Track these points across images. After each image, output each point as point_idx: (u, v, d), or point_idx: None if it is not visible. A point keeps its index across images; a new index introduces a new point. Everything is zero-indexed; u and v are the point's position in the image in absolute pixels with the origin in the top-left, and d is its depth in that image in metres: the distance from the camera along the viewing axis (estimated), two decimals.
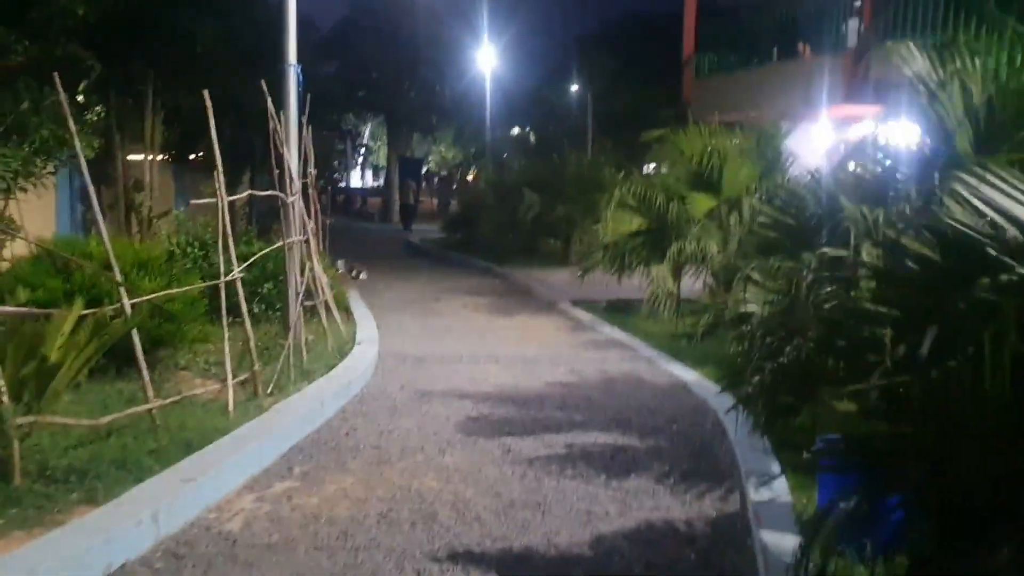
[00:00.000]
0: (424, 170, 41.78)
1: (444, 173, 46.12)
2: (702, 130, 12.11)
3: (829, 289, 5.90)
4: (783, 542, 4.60)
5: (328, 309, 9.87)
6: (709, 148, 11.87)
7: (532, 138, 35.61)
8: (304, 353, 8.35)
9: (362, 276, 16.15)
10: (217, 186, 7.10)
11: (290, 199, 8.62)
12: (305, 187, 10.84)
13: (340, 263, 16.55)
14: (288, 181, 8.73)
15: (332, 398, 7.23)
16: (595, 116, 27.55)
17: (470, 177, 42.11)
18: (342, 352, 9.01)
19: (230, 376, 6.67)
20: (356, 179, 51.49)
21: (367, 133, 50.47)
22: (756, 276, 9.09)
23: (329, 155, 33.11)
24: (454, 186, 40.82)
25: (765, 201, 10.17)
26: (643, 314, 11.54)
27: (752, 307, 8.87)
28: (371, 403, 7.50)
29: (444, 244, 22.86)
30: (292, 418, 6.48)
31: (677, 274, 11.42)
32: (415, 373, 8.76)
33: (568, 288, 14.27)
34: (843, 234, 6.35)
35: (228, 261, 7.32)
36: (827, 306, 5.42)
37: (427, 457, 6.06)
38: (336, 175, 42.22)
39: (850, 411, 3.71)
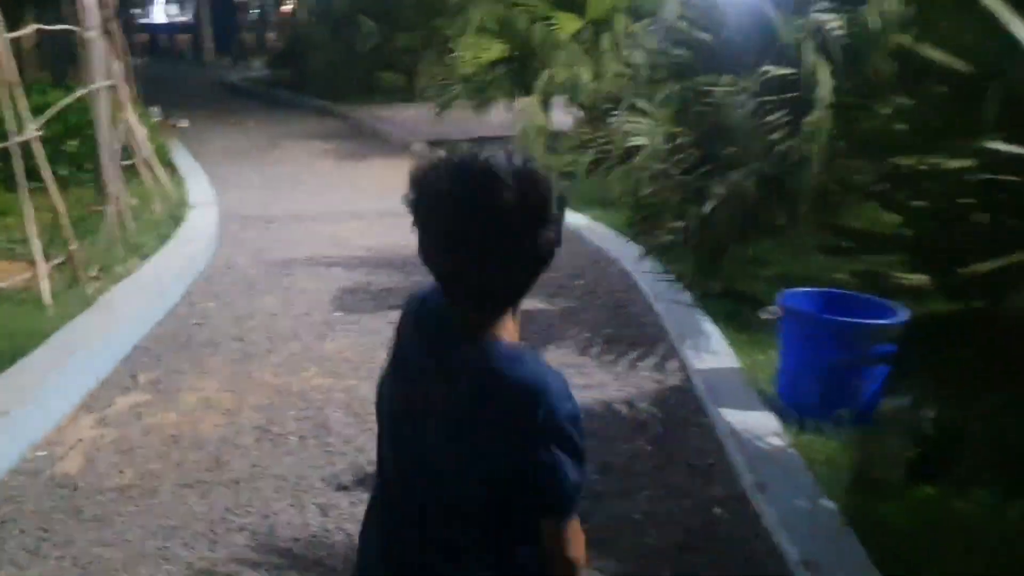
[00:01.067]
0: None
1: (258, 5, 42.33)
2: None
3: (779, 115, 5.14)
4: (747, 421, 3.95)
5: (151, 167, 8.37)
6: None
7: None
8: (130, 223, 6.97)
9: (182, 124, 14.26)
10: None
11: (88, 34, 6.96)
12: (106, 21, 9.06)
13: (155, 110, 14.57)
14: (83, 12, 7.04)
15: (173, 279, 5.97)
16: None
17: (286, 8, 38.81)
18: (175, 218, 7.64)
19: (40, 259, 5.32)
20: (160, 15, 46.68)
21: None
22: (645, 105, 8.29)
23: None
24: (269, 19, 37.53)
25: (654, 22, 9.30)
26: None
27: (639, 139, 8.11)
28: (222, 280, 6.29)
29: (270, 83, 20.74)
30: (127, 309, 5.24)
31: (546, 107, 10.44)
32: (267, 237, 7.55)
33: (420, 127, 13.03)
34: (778, 53, 5.56)
35: (18, 116, 5.80)
36: (811, 133, 4.65)
37: (304, 346, 5.02)
38: (135, 10, 37.95)
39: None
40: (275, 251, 7.07)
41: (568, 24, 10.76)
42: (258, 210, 8.58)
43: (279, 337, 5.13)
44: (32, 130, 5.70)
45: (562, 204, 1.46)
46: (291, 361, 4.80)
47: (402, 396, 1.57)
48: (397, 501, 1.58)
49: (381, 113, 15.29)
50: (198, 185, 9.30)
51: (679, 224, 5.69)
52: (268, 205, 8.84)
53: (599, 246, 6.98)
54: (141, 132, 8.48)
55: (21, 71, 7.04)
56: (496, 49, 10.92)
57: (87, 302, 5.30)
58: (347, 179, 10.34)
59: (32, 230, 5.36)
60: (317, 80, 17.94)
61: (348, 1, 17.86)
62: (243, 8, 41.27)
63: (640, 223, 5.97)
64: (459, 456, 1.47)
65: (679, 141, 7.84)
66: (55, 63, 15.06)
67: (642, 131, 8.24)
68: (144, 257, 6.50)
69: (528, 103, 10.23)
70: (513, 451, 1.43)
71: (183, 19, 37.66)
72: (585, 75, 10.04)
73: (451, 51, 16.61)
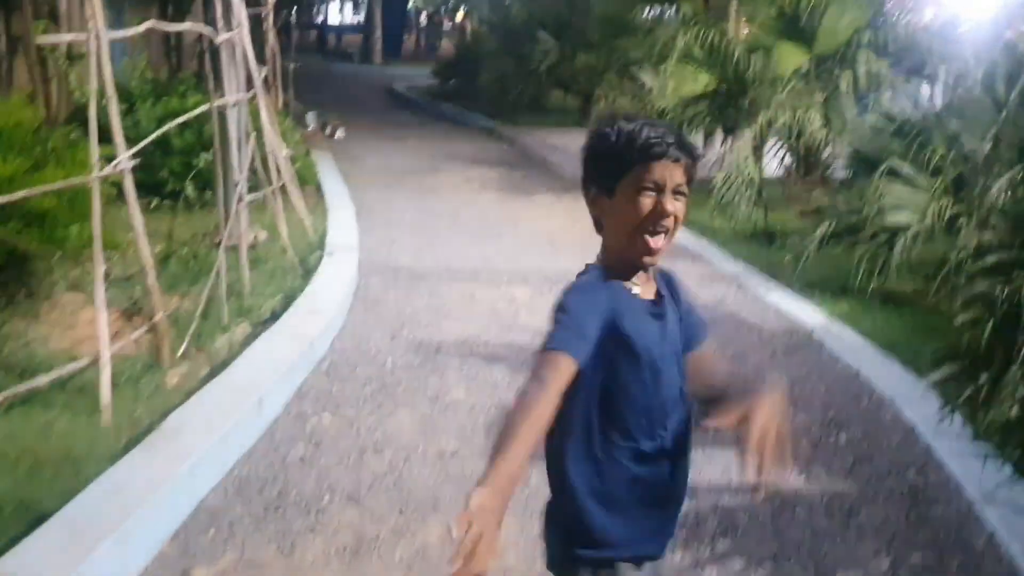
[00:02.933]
0: (410, 5, 37.60)
1: (433, 11, 41.89)
2: None
3: None
4: None
5: (289, 194, 7.03)
6: None
7: None
8: (246, 272, 5.58)
9: (339, 134, 13.13)
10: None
11: (220, 37, 5.62)
12: (258, 21, 7.84)
13: (311, 117, 13.51)
14: (221, 10, 5.72)
15: (280, 375, 4.37)
16: None
17: (458, 18, 38.09)
18: (306, 266, 6.24)
19: (105, 333, 3.91)
20: (335, 15, 47.05)
21: None
22: (909, 170, 6.37)
23: None
24: (445, 27, 36.85)
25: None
26: (710, 204, 8.74)
27: (901, 216, 6.19)
28: (347, 375, 4.70)
29: (435, 94, 19.57)
30: (206, 433, 3.66)
31: (759, 153, 8.57)
32: (413, 302, 6.01)
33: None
34: None
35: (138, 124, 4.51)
36: None
37: (447, 525, 3.38)
38: (312, 9, 38.11)
39: None
40: (421, 326, 5.52)
41: (791, 57, 8.89)
42: (406, 258, 7.09)
43: (412, 504, 3.47)
44: (126, 158, 4.32)
45: None
46: (425, 561, 3.14)
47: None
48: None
49: (552, 139, 13.71)
50: (341, 219, 7.91)
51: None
52: (419, 252, 7.35)
53: (854, 368, 5.08)
54: (282, 153, 7.15)
55: (179, 67, 5.92)
56: (702, 80, 9.15)
57: (155, 413, 3.83)
58: (512, 220, 8.77)
59: (99, 282, 3.96)
60: (486, 96, 16.57)
61: (526, 12, 16.42)
62: (416, 13, 40.96)
63: (946, 359, 4.04)
64: None
65: (962, 224, 5.94)
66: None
67: (905, 203, 6.35)
68: (255, 326, 5.08)
69: (738, 147, 8.39)
70: None
71: (356, 20, 37.45)
72: (815, 121, 8.12)
73: (633, 75, 15.07)
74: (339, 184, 9.49)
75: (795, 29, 8.89)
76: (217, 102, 5.71)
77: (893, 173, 6.36)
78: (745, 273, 7.05)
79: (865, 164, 7.05)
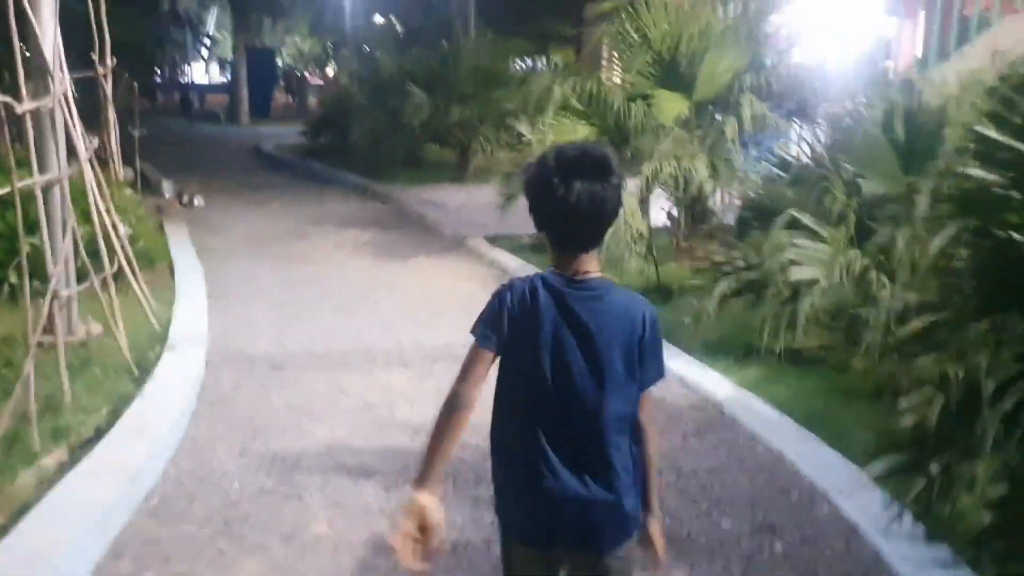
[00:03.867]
0: (279, 63, 36.65)
1: (301, 68, 40.92)
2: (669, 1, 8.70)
3: None
4: None
5: (128, 277, 6.10)
6: (680, 29, 8.50)
7: (399, 28, 31.00)
8: (65, 380, 4.66)
9: (197, 202, 12.12)
10: None
11: (24, 107, 4.73)
12: (96, 85, 6.98)
13: (166, 186, 12.49)
14: (23, 76, 4.83)
15: (91, 527, 3.47)
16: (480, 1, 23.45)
17: (330, 72, 37.27)
18: (143, 365, 5.33)
19: None
20: (202, 75, 45.52)
21: (212, 22, 44.34)
22: (810, 221, 5.96)
23: (164, 47, 27.83)
24: (313, 83, 35.96)
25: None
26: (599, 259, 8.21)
27: (805, 272, 5.76)
28: (180, 516, 3.79)
29: (306, 152, 18.64)
30: None
31: (645, 206, 8.10)
32: (270, 402, 5.16)
33: (476, 216, 10.77)
34: None
35: None
36: None
37: None
38: (176, 70, 36.72)
39: None
40: (277, 433, 4.68)
41: (671, 104, 8.49)
42: (265, 343, 6.24)
43: None
44: None
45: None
46: None
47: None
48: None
49: (429, 196, 13.05)
50: (191, 302, 6.99)
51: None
52: (281, 334, 6.51)
53: (776, 449, 4.51)
54: (120, 230, 6.24)
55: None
56: (582, 132, 8.64)
57: None
58: (388, 288, 8.02)
59: None
60: (358, 152, 15.81)
61: (395, 66, 15.80)
62: (291, 69, 39.90)
63: (888, 448, 3.48)
64: None
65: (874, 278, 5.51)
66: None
67: (809, 258, 5.90)
68: (75, 449, 4.17)
69: (625, 200, 7.87)
70: None
71: (224, 79, 36.22)
72: (700, 170, 7.70)
73: (509, 127, 14.59)
74: (192, 260, 8.55)
75: (674, 76, 8.50)
76: (26, 181, 4.82)
77: (794, 224, 5.94)
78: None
79: (760, 214, 6.63)
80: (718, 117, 8.67)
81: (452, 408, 2.09)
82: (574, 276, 2.13)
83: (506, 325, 2.08)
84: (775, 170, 6.86)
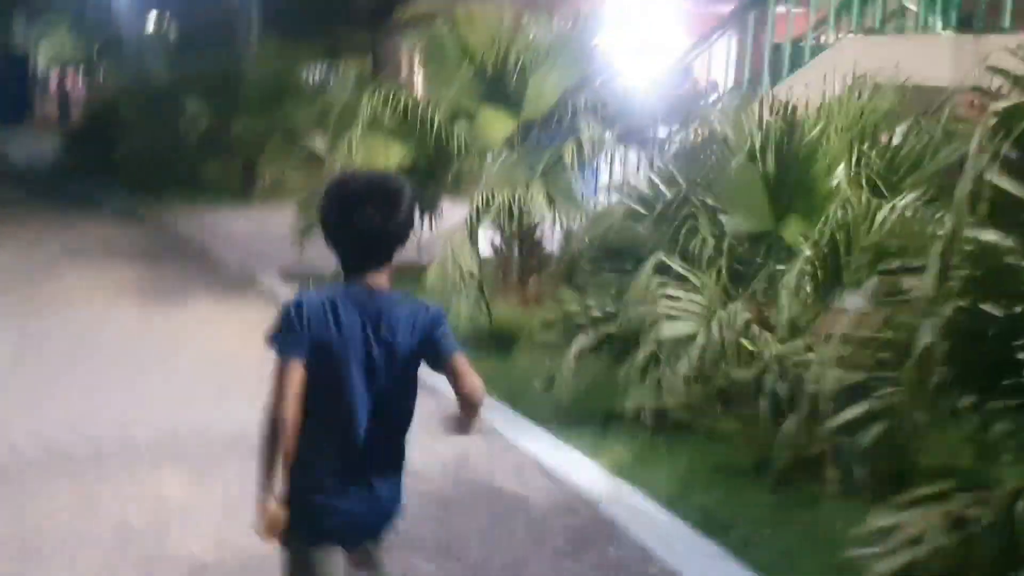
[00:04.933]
0: (31, 67, 32.73)
1: (64, 71, 36.99)
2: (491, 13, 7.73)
3: None
4: None
5: None
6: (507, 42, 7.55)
7: (172, 33, 28.35)
8: None
9: None
10: None
11: None
12: None
13: None
14: None
15: None
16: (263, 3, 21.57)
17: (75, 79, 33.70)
18: None
19: None
20: None
21: None
22: (679, 266, 5.11)
23: None
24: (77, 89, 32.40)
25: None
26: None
27: (679, 327, 4.92)
28: None
29: (64, 171, 16.22)
30: None
31: (474, 239, 6.99)
32: None
33: (267, 246, 9.32)
34: None
35: None
36: None
37: None
38: None
39: None
40: None
41: (497, 124, 7.53)
42: None
43: None
44: None
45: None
46: None
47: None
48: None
49: (211, 220, 11.40)
50: None
51: None
52: (11, 417, 4.90)
53: (672, 570, 3.53)
54: None
55: None
56: (395, 153, 7.50)
57: None
58: (159, 346, 6.47)
59: None
60: (126, 169, 13.82)
61: (169, 75, 13.97)
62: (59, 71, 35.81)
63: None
64: None
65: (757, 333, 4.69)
66: None
67: (682, 310, 5.01)
68: None
69: (451, 234, 6.75)
70: None
71: None
72: (537, 200, 6.74)
73: (301, 142, 13.19)
74: None
75: (499, 93, 7.50)
76: None
77: (661, 270, 5.04)
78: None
79: (612, 254, 5.73)
80: (547, 139, 7.80)
81: (276, 434, 2.15)
82: (365, 290, 2.25)
83: (307, 334, 2.17)
84: (627, 201, 5.94)
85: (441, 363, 2.27)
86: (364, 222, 2.18)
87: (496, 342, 6.49)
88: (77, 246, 9.94)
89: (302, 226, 7.78)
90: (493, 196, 6.71)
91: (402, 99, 7.27)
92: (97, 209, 12.72)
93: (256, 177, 13.25)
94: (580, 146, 6.80)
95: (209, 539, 3.68)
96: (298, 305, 2.19)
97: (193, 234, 10.71)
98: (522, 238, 7.65)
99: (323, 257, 7.21)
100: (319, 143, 11.76)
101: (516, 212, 6.87)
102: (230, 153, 13.57)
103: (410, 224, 2.26)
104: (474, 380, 2.27)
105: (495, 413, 5.12)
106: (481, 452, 4.69)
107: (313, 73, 15.93)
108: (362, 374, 2.20)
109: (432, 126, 7.22)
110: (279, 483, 2.18)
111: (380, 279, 2.26)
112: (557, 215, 6.77)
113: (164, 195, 12.59)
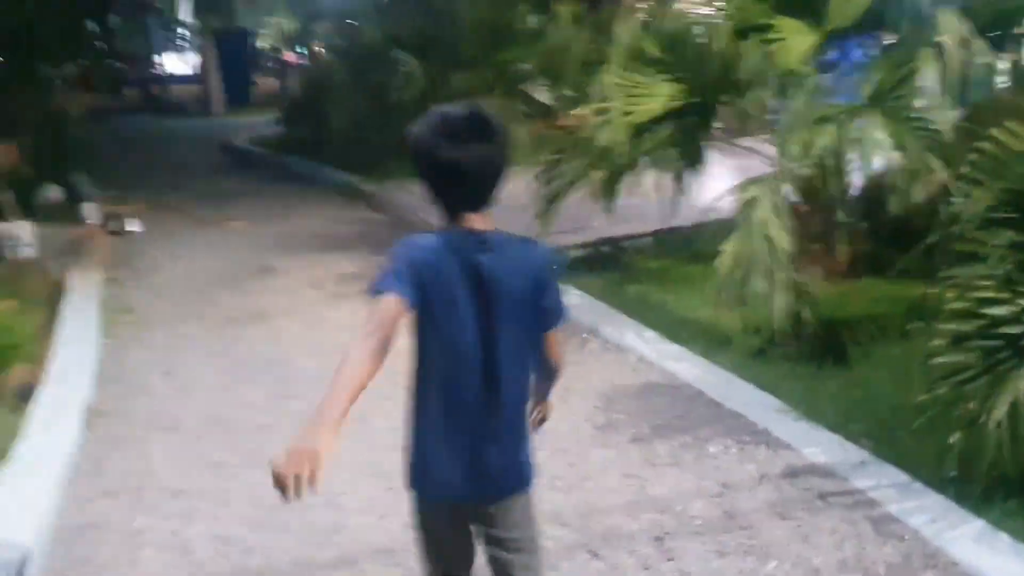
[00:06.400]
0: (254, 47, 33.33)
1: (283, 48, 37.69)
2: None
3: None
4: None
5: None
6: None
7: None
8: None
9: (131, 228, 9.15)
10: None
11: None
12: None
13: (89, 209, 9.52)
14: None
15: None
16: None
17: (317, 50, 34.02)
18: None
19: None
20: (180, 66, 42.30)
21: (183, 9, 41.11)
22: None
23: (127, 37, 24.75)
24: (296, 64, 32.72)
25: None
26: (705, 290, 5.26)
27: None
28: None
29: (283, 146, 15.56)
30: None
31: (782, 210, 5.05)
32: None
33: (510, 218, 7.76)
34: None
35: None
36: None
37: None
38: (145, 64, 33.52)
39: None
40: None
41: (799, 40, 5.53)
42: (166, 531, 3.35)
43: None
44: None
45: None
46: None
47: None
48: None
49: None
50: (44, 450, 4.07)
51: None
52: (198, 478, 3.61)
53: None
54: None
55: None
56: (663, 93, 5.68)
57: None
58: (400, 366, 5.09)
59: None
60: (341, 141, 12.83)
61: (378, 30, 12.79)
62: (268, 54, 36.57)
63: None
64: None
65: None
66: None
67: None
68: None
69: (756, 191, 4.87)
70: None
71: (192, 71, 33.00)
72: (877, 136, 4.75)
73: (525, 94, 11.72)
74: (84, 348, 5.57)
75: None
76: None
77: None
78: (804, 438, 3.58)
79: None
80: (858, 52, 5.79)
81: (345, 365, 1.93)
82: (472, 233, 2.08)
83: (409, 274, 2.04)
84: None
85: (546, 322, 2.17)
86: (472, 159, 2.03)
87: (822, 343, 4.70)
88: (291, 235, 8.98)
89: (546, 194, 6.25)
90: (811, 140, 4.79)
91: (674, 22, 5.43)
92: (314, 188, 11.76)
93: None
94: (941, 53, 4.70)
95: None
96: (407, 247, 2.08)
97: (419, 213, 9.40)
98: (816, 195, 5.68)
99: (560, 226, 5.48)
100: (543, 94, 10.39)
101: (836, 161, 4.94)
102: None
103: (507, 157, 2.09)
104: (560, 350, 2.25)
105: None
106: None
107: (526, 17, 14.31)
108: (473, 321, 2.05)
109: (712, 51, 5.36)
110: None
111: (486, 221, 2.09)
112: (908, 157, 4.75)
113: (382, 167, 11.40)
